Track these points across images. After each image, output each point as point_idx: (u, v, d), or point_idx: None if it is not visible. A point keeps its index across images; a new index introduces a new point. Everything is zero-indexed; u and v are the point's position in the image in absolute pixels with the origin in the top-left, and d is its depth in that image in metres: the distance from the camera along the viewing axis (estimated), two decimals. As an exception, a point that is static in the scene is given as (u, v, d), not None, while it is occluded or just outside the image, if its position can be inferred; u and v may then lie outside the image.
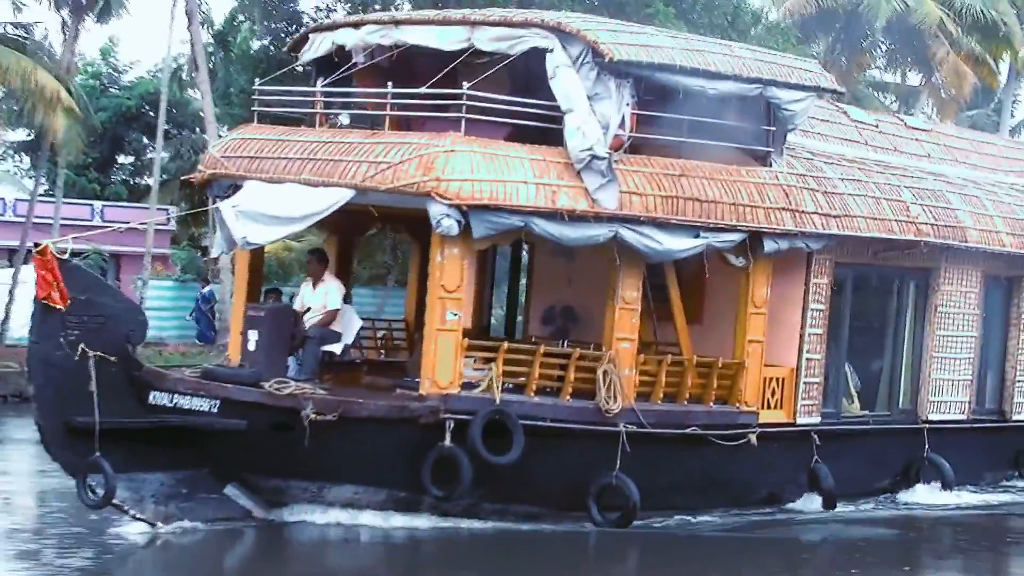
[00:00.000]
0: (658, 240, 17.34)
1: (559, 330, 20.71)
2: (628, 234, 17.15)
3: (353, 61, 18.72)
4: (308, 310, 17.61)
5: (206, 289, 36.64)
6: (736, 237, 18.09)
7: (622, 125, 17.26)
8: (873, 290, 20.91)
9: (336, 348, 17.65)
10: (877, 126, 23.25)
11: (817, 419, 19.56)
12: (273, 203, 16.66)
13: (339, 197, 16.73)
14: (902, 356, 21.13)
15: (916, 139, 23.76)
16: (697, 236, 17.72)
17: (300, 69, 20.28)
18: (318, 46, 19.14)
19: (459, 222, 16.29)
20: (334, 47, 18.95)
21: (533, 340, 20.55)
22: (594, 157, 16.79)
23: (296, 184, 17.04)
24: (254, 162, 17.73)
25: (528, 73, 18.02)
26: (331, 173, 16.93)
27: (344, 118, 18.96)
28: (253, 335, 16.99)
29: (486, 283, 22.07)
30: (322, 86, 18.90)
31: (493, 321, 23.56)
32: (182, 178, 29.14)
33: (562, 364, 17.44)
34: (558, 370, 17.42)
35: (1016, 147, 26.72)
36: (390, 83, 17.75)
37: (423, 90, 17.36)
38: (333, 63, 18.99)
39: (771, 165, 18.83)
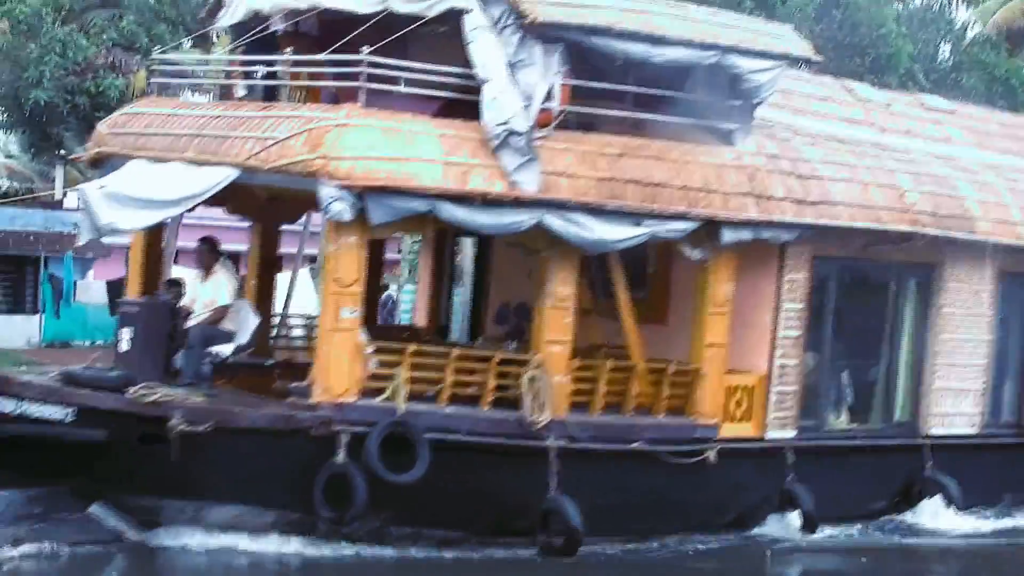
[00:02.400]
0: (590, 228, 15.15)
1: (514, 330, 18.45)
2: (554, 221, 14.98)
3: (264, 26, 16.71)
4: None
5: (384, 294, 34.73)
6: (687, 226, 15.83)
7: (550, 97, 15.08)
8: (864, 288, 18.45)
9: (226, 349, 15.62)
10: (889, 106, 20.86)
11: (792, 433, 17.24)
12: (146, 185, 14.73)
13: (221, 177, 14.76)
14: (899, 363, 18.69)
15: (936, 121, 21.32)
16: (639, 224, 15.51)
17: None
18: (234, 10, 17.19)
19: (353, 206, 14.22)
20: (250, 11, 16.99)
21: (481, 342, 18.59)
22: (511, 133, 14.64)
23: (180, 163, 15.07)
24: (140, 139, 15.81)
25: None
26: (216, 151, 14.96)
27: (240, 90, 16.92)
28: (126, 333, 15.04)
29: (443, 279, 20.00)
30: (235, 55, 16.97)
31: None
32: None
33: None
34: (478, 376, 15.30)
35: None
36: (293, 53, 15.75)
37: (321, 56, 15.33)
38: (251, 29, 17.03)
39: (735, 144, 16.54)
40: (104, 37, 32.95)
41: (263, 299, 17.61)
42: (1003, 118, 23.46)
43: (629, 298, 16.56)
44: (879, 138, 19.38)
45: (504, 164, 14.69)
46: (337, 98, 16.65)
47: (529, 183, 14.74)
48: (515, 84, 14.87)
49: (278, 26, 16.89)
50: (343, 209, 14.16)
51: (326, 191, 14.15)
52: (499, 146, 14.67)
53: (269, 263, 17.87)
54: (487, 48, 14.89)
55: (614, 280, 16.16)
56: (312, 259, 33.65)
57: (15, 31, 32.76)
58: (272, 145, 14.45)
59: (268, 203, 17.01)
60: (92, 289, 32.90)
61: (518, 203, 14.76)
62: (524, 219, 14.83)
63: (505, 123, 14.61)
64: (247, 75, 17.17)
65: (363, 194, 14.20)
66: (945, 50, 38.15)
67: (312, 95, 17.11)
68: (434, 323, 19.76)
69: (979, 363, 19.25)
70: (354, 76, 14.81)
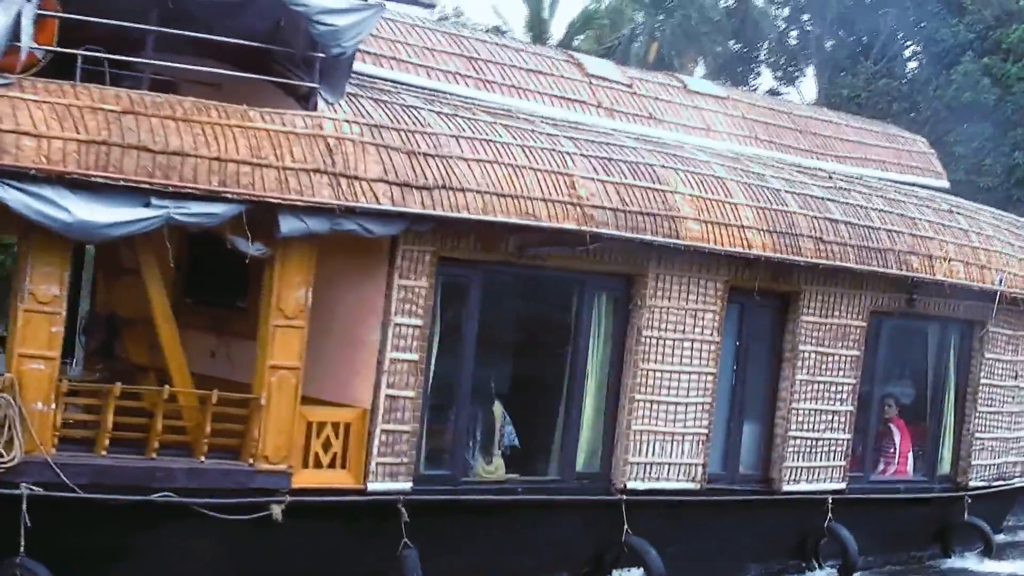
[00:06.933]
0: (66, 207, 11.38)
1: (104, 346, 14.89)
2: (12, 196, 11.24)
3: None
4: None
5: None
6: (223, 209, 12.02)
7: (19, 35, 11.42)
8: (531, 302, 14.71)
9: None
10: (631, 86, 17.13)
11: (407, 485, 13.41)
12: None
13: None
14: (584, 398, 14.86)
15: (695, 107, 17.63)
16: (147, 205, 11.74)
17: None
18: None
19: None
20: None
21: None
22: (-65, 74, 10.96)
23: None
24: None
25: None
26: None
27: None
28: None
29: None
30: None
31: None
32: None
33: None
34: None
35: (878, 133, 20.26)
36: None
37: None
38: None
39: (315, 108, 12.78)
40: None
41: None
42: (799, 110, 19.69)
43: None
44: (610, 122, 15.85)
45: (-67, 117, 11.00)
46: None
47: (-35, 143, 11.03)
48: (-37, 14, 11.19)
49: None
50: None
51: None
52: (-77, 93, 10.99)
53: None
54: (-75, -36, 11.22)
55: (146, 278, 12.47)
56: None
57: None
58: None
59: None
60: None
61: (-50, 170, 11.06)
62: (-40, 191, 11.11)
63: (-71, 62, 10.93)
64: None
65: None
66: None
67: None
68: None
69: (700, 401, 15.39)
70: None
